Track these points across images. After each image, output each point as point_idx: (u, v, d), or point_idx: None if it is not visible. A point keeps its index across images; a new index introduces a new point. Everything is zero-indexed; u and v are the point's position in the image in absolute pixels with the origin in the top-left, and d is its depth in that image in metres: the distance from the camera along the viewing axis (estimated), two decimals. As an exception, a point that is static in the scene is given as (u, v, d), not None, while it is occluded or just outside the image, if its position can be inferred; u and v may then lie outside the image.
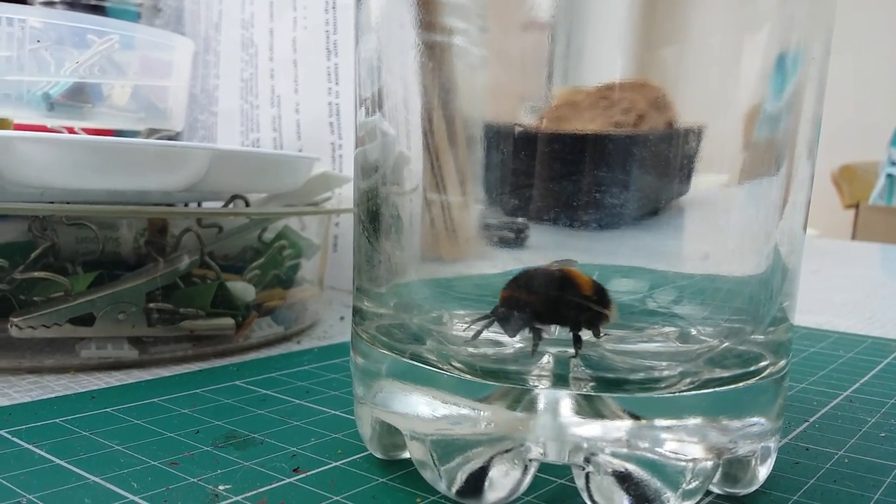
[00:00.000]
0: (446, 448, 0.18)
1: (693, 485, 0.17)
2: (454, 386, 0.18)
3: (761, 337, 0.19)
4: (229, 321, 0.31)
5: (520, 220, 0.18)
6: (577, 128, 0.18)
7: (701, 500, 0.18)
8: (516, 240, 0.19)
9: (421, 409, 0.19)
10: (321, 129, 0.45)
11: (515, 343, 0.19)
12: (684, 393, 0.18)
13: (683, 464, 0.17)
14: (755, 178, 0.19)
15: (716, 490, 0.19)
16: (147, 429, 0.22)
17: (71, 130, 0.37)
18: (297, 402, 0.25)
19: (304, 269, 0.36)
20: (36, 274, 0.28)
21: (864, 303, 0.50)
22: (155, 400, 0.25)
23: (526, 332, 0.19)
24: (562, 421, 0.17)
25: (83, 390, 0.26)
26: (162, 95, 0.40)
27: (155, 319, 0.29)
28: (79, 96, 0.36)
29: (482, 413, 0.18)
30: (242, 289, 0.32)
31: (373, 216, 0.20)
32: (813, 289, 0.55)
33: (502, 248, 0.19)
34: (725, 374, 0.18)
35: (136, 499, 0.18)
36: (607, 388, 0.18)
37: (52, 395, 0.25)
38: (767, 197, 0.19)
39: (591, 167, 0.18)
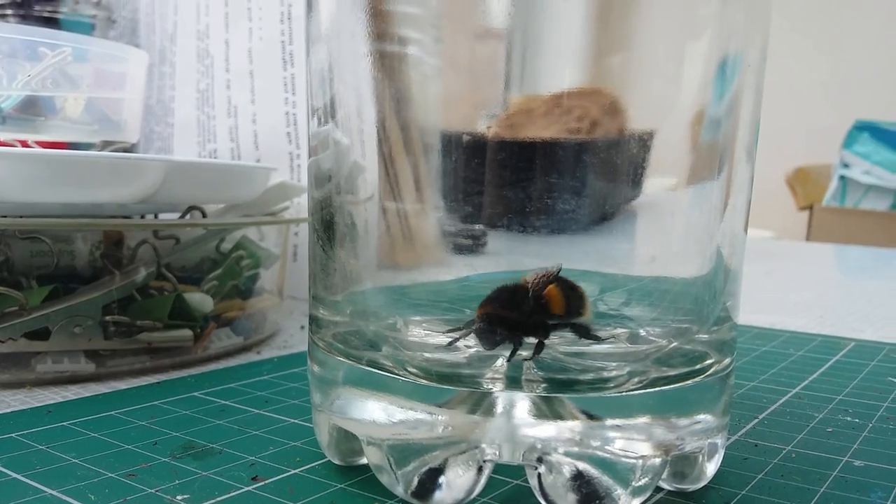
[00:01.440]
0: (403, 452, 0.18)
1: (643, 481, 0.18)
2: (410, 391, 0.18)
3: (706, 336, 0.20)
4: (187, 333, 0.31)
5: (476, 227, 0.19)
6: (531, 135, 0.18)
7: (651, 496, 0.19)
8: (473, 246, 0.19)
9: (377, 414, 0.19)
10: (279, 139, 0.45)
11: (469, 348, 0.19)
12: (633, 392, 0.18)
13: (633, 461, 0.18)
14: (699, 181, 0.19)
15: (666, 486, 0.19)
16: (104, 441, 0.22)
17: (24, 144, 0.36)
18: (256, 411, 0.25)
19: (263, 279, 0.36)
20: (-11, 289, 0.28)
21: (815, 302, 0.51)
22: (112, 413, 0.25)
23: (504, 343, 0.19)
24: (515, 422, 0.18)
25: (39, 405, 0.25)
26: (116, 107, 0.39)
27: (112, 332, 0.29)
28: (31, 109, 0.36)
29: (439, 417, 0.18)
30: (200, 300, 0.32)
31: (327, 225, 0.21)
32: (767, 289, 0.56)
33: (458, 254, 0.19)
34: (672, 372, 0.19)
35: (92, 511, 0.18)
36: (559, 388, 0.18)
37: (8, 411, 0.25)
38: (710, 200, 0.19)
39: (542, 174, 0.18)
